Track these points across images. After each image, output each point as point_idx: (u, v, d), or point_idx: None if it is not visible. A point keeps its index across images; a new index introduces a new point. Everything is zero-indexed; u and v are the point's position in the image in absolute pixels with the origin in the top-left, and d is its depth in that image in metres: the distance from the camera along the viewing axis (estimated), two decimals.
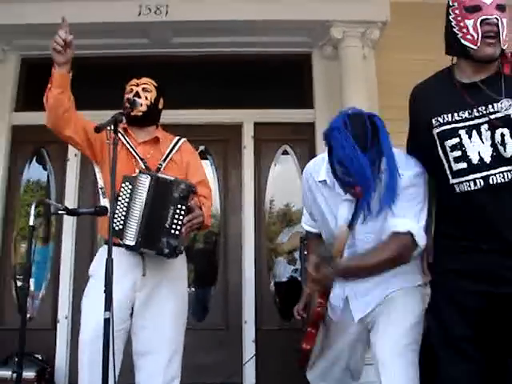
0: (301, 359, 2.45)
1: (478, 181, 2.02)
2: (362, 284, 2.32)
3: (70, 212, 2.61)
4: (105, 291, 2.04)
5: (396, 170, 2.12)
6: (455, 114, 2.09)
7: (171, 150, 2.77)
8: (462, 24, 2.08)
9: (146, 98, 2.78)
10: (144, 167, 2.66)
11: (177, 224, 2.44)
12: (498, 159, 1.99)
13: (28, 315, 4.54)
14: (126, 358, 2.62)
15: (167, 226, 2.44)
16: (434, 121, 2.14)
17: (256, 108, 5.03)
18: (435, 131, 2.14)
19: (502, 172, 1.99)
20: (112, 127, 2.25)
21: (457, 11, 2.11)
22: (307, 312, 2.54)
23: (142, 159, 2.69)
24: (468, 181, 2.04)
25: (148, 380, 2.56)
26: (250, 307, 4.69)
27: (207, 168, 4.77)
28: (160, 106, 2.88)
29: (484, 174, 2.01)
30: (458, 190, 2.08)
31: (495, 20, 2.02)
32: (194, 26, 4.80)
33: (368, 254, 2.20)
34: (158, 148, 2.77)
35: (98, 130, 2.23)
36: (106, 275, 2.06)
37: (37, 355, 4.25)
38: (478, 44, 2.04)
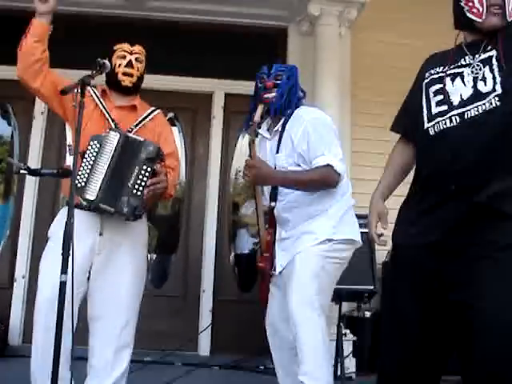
0: (261, 290, 2.80)
1: (453, 118, 1.99)
2: (286, 241, 2.73)
3: (32, 172, 2.57)
4: (62, 254, 2.02)
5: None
6: (446, 67, 2.09)
7: (145, 118, 2.74)
8: None
9: (138, 69, 2.75)
10: (114, 126, 2.63)
11: (140, 185, 2.41)
12: (475, 95, 1.97)
13: None
14: (81, 321, 2.60)
15: (130, 186, 2.41)
16: (427, 74, 2.14)
17: (228, 79, 5.00)
18: (424, 82, 2.13)
19: (477, 106, 1.96)
20: (79, 90, 2.20)
21: None
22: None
23: (113, 121, 2.65)
24: (444, 119, 2.00)
25: (101, 345, 2.54)
26: (209, 277, 4.72)
27: (175, 135, 4.73)
28: (144, 76, 2.86)
29: (460, 110, 1.98)
30: (432, 132, 2.02)
31: None
32: None
33: (298, 172, 2.67)
34: (133, 114, 2.73)
35: (63, 92, 2.20)
36: (64, 237, 2.04)
37: None
38: (483, 17, 2.02)
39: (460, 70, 2.06)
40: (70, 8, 4.89)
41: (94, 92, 2.71)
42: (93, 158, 2.45)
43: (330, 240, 2.63)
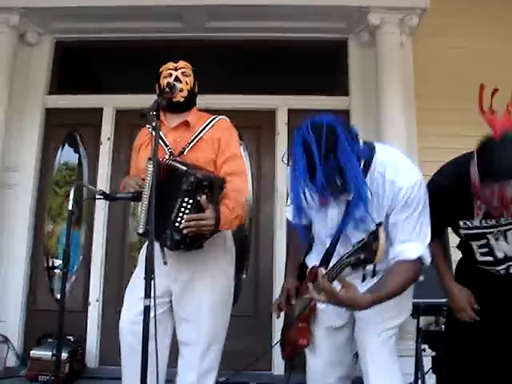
0: (289, 352, 2.57)
1: (501, 271, 2.31)
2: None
3: (108, 197, 2.60)
4: (145, 278, 2.03)
5: (360, 183, 2.07)
6: (483, 221, 2.21)
7: (202, 130, 2.67)
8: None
9: (187, 83, 2.72)
10: (168, 153, 2.60)
11: (182, 218, 2.33)
12: None
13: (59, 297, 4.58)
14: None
15: (172, 218, 2.35)
16: (461, 223, 2.27)
17: (290, 94, 4.98)
18: (463, 232, 2.29)
19: None
20: (154, 112, 2.22)
21: None
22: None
23: (166, 145, 2.63)
24: (492, 269, 2.32)
25: (184, 370, 2.57)
26: None
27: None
28: (196, 91, 2.83)
29: (507, 265, 2.28)
30: (481, 267, 2.36)
31: None
32: (229, 11, 4.78)
33: (385, 284, 2.12)
34: (189, 131, 2.68)
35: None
36: (146, 262, 2.05)
37: (68, 337, 4.28)
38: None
39: (501, 229, 2.22)
40: (133, 35, 5.02)
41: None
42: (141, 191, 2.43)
43: None
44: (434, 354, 4.15)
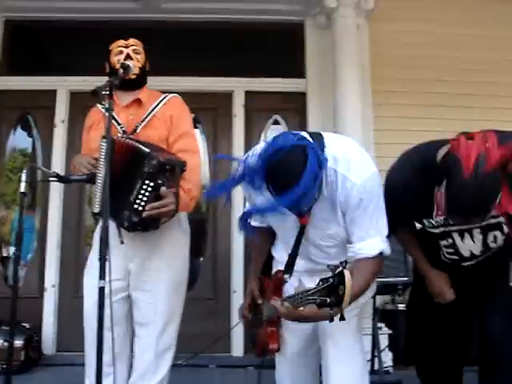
0: (261, 351, 2.49)
1: (467, 266, 2.36)
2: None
3: (62, 179, 2.54)
4: (99, 259, 2.01)
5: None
6: (449, 219, 2.22)
7: (155, 107, 2.65)
8: None
9: (138, 61, 2.68)
10: (121, 132, 2.57)
11: (141, 200, 2.30)
12: (486, 249, 2.28)
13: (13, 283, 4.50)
14: None
15: (131, 200, 2.31)
16: (425, 221, 2.27)
17: (247, 77, 4.96)
18: (429, 230, 2.29)
19: (487, 256, 2.31)
20: (108, 91, 2.18)
21: None
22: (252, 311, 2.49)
23: (119, 124, 2.59)
24: (459, 264, 2.37)
25: (142, 350, 2.56)
26: (238, 277, 4.69)
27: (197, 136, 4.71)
28: (147, 68, 2.79)
29: (474, 261, 2.33)
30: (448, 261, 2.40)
31: None
32: None
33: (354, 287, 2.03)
34: (142, 108, 2.65)
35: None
36: (100, 243, 2.02)
37: (24, 324, 4.19)
38: None
39: (467, 227, 2.23)
40: (84, 15, 4.92)
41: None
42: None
43: None
44: (390, 331, 4.25)
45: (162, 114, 2.64)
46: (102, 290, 2.00)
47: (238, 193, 4.80)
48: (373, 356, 3.87)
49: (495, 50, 4.91)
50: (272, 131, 4.97)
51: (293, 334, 2.42)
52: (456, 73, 4.86)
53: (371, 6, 4.75)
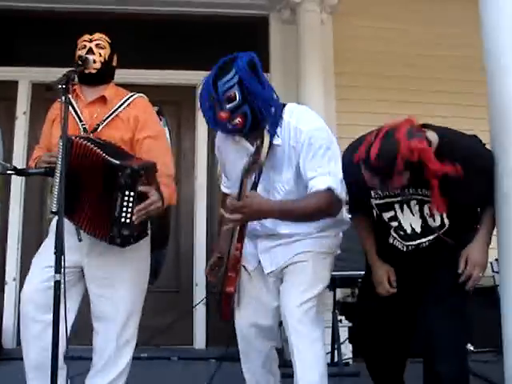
0: (224, 308, 2.48)
1: (410, 246, 2.45)
2: (271, 241, 2.44)
3: (19, 172, 2.53)
4: (55, 252, 2.00)
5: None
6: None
7: (118, 107, 2.60)
8: None
9: (100, 55, 2.64)
10: (82, 129, 2.53)
11: (126, 212, 2.27)
12: (427, 229, 2.40)
13: None
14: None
15: (116, 215, 2.27)
16: (373, 193, 2.41)
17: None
18: (373, 201, 2.45)
19: (429, 240, 2.42)
20: (63, 86, 2.16)
21: None
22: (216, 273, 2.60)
23: (81, 121, 2.55)
24: (403, 245, 2.47)
25: (102, 344, 2.54)
26: (201, 270, 4.69)
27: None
28: (114, 64, 2.75)
29: (417, 241, 2.44)
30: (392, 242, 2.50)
31: None
32: None
33: (296, 202, 2.29)
34: (107, 107, 2.61)
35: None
36: (56, 235, 2.02)
37: None
38: None
39: (406, 198, 2.38)
40: (49, 5, 4.88)
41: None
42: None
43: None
44: (350, 324, 4.31)
45: (125, 114, 2.59)
46: (57, 283, 1.99)
47: (201, 186, 4.84)
48: (333, 348, 3.93)
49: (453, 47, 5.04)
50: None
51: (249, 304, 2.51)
52: (416, 68, 4.95)
53: (335, 1, 4.80)
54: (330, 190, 2.21)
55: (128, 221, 2.27)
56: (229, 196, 2.42)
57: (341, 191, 2.25)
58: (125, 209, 2.27)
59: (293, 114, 2.34)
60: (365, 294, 2.73)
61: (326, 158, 2.25)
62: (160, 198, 2.37)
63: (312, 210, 2.24)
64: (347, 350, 4.24)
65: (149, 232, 2.49)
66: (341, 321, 4.19)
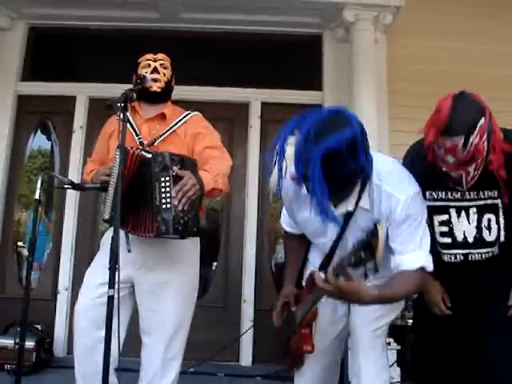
0: (294, 360, 2.46)
1: (458, 256, 2.33)
2: None
3: (76, 186, 2.59)
4: (109, 268, 2.03)
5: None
6: (449, 193, 2.29)
7: (175, 124, 2.70)
8: None
9: (164, 75, 2.74)
10: (139, 143, 2.60)
11: (166, 197, 2.31)
12: (480, 241, 2.29)
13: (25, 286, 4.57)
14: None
15: (158, 203, 2.32)
16: (427, 193, 2.31)
17: (264, 88, 5.00)
18: (427, 203, 2.28)
19: (481, 253, 2.30)
20: (122, 104, 2.21)
21: None
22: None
23: (137, 135, 2.64)
24: (450, 254, 2.35)
25: (148, 358, 2.57)
26: (249, 287, 4.71)
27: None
28: (173, 84, 2.85)
29: (466, 251, 2.32)
30: (441, 256, 2.37)
31: None
32: (204, 2, 4.78)
33: (391, 285, 2.09)
34: (165, 123, 2.70)
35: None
36: (111, 250, 2.05)
37: (36, 325, 4.27)
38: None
39: (465, 204, 2.28)
40: (105, 23, 5.00)
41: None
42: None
43: None
44: (398, 347, 4.23)
45: (182, 130, 2.68)
46: (111, 298, 2.02)
47: (252, 202, 4.85)
48: None
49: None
50: (288, 143, 4.96)
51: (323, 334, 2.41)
52: (472, 88, 4.84)
53: (390, 20, 4.75)
54: (422, 269, 2.09)
55: (169, 206, 2.30)
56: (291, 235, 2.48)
57: (431, 266, 2.12)
58: (163, 194, 2.31)
59: (380, 175, 2.10)
60: (420, 317, 2.68)
61: (420, 231, 2.10)
62: (194, 179, 2.38)
63: (407, 291, 2.16)
64: (395, 373, 4.15)
65: (199, 228, 2.48)
66: (389, 343, 4.12)
